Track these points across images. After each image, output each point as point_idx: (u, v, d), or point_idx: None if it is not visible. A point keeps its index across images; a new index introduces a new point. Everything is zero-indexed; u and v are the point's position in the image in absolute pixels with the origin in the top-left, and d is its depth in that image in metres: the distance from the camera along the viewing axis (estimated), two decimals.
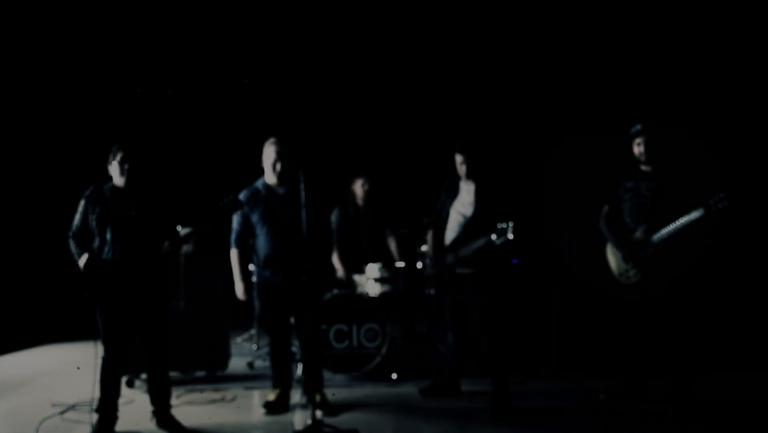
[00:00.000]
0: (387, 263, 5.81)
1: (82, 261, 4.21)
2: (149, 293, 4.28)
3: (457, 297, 4.82)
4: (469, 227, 4.68)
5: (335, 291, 5.57)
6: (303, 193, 4.39)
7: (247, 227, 4.79)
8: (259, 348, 6.54)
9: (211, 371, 5.67)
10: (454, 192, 4.84)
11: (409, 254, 6.08)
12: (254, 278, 4.88)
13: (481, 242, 4.52)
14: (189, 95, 7.55)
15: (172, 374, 4.97)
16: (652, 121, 4.71)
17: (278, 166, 4.65)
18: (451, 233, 4.81)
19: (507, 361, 4.72)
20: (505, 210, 4.57)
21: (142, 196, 4.33)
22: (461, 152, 4.71)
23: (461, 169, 4.75)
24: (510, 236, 4.30)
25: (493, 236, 4.39)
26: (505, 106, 7.81)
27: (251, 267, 4.95)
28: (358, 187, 5.92)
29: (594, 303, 5.55)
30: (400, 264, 5.81)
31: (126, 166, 4.25)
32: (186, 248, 5.25)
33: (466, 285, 4.72)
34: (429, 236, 4.96)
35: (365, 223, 6.00)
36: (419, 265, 6.05)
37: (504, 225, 4.34)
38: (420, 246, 6.01)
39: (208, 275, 5.61)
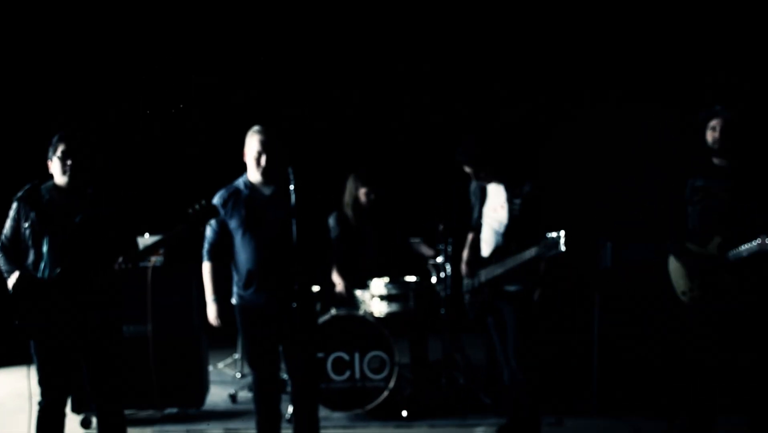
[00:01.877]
0: (395, 277, 5.23)
1: (11, 281, 3.53)
2: (97, 319, 3.60)
3: (501, 318, 4.34)
4: (508, 234, 4.22)
5: (333, 311, 5.03)
6: (293, 194, 3.91)
7: (224, 236, 4.11)
8: (243, 376, 5.87)
9: (185, 408, 5.07)
10: (482, 196, 4.41)
11: (422, 267, 5.55)
12: (234, 300, 4.15)
13: (530, 253, 4.02)
14: (156, 78, 6.94)
15: (137, 412, 4.42)
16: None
17: (263, 161, 4.02)
18: (486, 245, 4.34)
19: (538, 394, 4.24)
20: (544, 209, 4.18)
21: (90, 198, 3.70)
22: (465, 163, 4.27)
23: (474, 177, 4.33)
24: (562, 248, 3.85)
25: (543, 249, 3.94)
26: (508, 98, 7.38)
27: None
28: (362, 196, 5.42)
29: (644, 327, 4.95)
30: (411, 278, 5.23)
31: (69, 162, 3.63)
32: (155, 259, 4.85)
33: (508, 303, 4.24)
34: (468, 241, 4.49)
35: (369, 229, 5.44)
36: (434, 279, 5.50)
37: (554, 235, 3.86)
38: (434, 257, 5.48)
39: (180, 291, 5.00)
